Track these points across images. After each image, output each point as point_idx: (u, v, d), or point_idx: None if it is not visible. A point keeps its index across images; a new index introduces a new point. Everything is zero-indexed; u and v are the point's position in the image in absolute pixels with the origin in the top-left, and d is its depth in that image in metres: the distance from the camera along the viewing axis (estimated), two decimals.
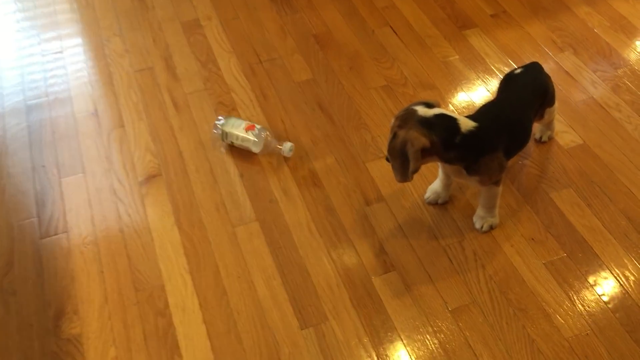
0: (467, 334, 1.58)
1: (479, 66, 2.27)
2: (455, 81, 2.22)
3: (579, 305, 1.63)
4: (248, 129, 1.99)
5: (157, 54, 2.34)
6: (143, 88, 2.21)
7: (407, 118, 1.58)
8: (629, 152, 1.97)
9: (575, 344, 1.56)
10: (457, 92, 2.18)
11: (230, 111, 2.13)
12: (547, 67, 1.94)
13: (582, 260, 1.72)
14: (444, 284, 1.68)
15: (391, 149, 1.60)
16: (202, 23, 2.46)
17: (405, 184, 1.90)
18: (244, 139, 1.99)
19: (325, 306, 1.64)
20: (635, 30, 2.39)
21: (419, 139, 1.53)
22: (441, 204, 1.86)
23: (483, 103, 1.84)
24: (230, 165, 1.97)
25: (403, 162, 1.57)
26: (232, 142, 2.02)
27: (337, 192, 1.89)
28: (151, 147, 2.02)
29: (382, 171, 1.95)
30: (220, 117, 2.04)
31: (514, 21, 2.44)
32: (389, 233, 1.79)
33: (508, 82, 1.80)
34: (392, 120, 1.60)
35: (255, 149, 2.02)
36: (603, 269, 1.70)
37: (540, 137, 2.01)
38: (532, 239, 1.78)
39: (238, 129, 2.00)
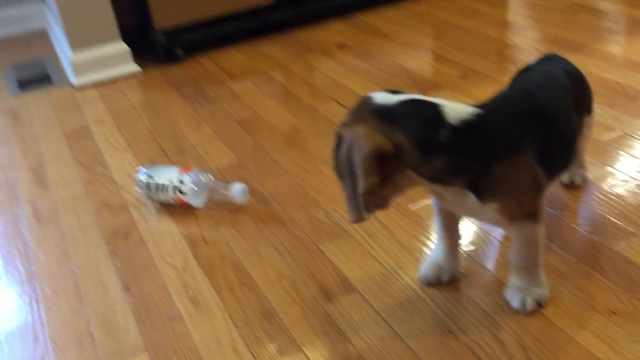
0: None
1: None
2: None
3: None
4: (184, 170, 1.41)
5: (23, 167, 1.71)
6: None
7: (357, 110, 0.95)
8: None
9: None
10: None
11: (117, 212, 1.46)
12: None
13: None
14: None
15: (336, 164, 0.95)
16: (91, 128, 1.88)
17: (386, 260, 1.20)
18: (178, 189, 1.39)
19: None
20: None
21: (369, 137, 0.90)
22: (448, 282, 1.14)
23: None
24: (110, 277, 1.25)
25: (354, 182, 0.91)
26: (163, 199, 1.42)
27: (279, 289, 1.17)
28: None
29: (347, 251, 1.25)
30: (141, 168, 1.46)
31: (488, 77, 1.93)
32: (372, 338, 1.04)
33: (525, 72, 1.20)
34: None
35: (196, 201, 1.39)
36: None
37: (572, 180, 1.37)
38: (613, 312, 1.05)
39: (169, 178, 1.40)
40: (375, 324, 1.07)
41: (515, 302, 1.06)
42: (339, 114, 1.80)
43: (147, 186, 1.42)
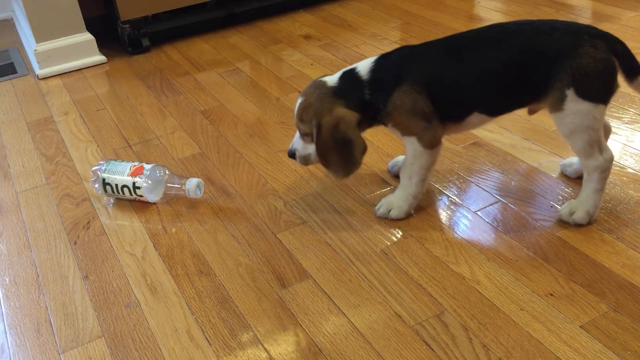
0: None
1: None
2: None
3: None
4: (136, 171, 1.41)
5: None
6: None
7: (320, 95, 1.26)
8: None
9: None
10: None
11: (79, 203, 1.48)
12: None
13: (636, 312, 1.05)
14: None
15: (322, 145, 1.23)
16: (56, 119, 1.89)
17: (340, 248, 1.25)
18: (133, 186, 1.41)
19: None
20: None
21: (348, 115, 1.23)
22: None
23: None
24: (70, 266, 1.27)
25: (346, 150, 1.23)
26: (118, 195, 1.44)
27: (236, 277, 1.20)
28: None
29: (303, 239, 1.28)
30: (99, 163, 1.46)
31: None
32: (323, 322, 1.08)
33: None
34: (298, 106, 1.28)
35: (153, 197, 1.41)
36: None
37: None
38: (551, 294, 1.10)
39: (123, 174, 1.41)
40: (327, 309, 1.11)
41: (380, 209, 1.32)
42: None
43: (103, 186, 1.42)
